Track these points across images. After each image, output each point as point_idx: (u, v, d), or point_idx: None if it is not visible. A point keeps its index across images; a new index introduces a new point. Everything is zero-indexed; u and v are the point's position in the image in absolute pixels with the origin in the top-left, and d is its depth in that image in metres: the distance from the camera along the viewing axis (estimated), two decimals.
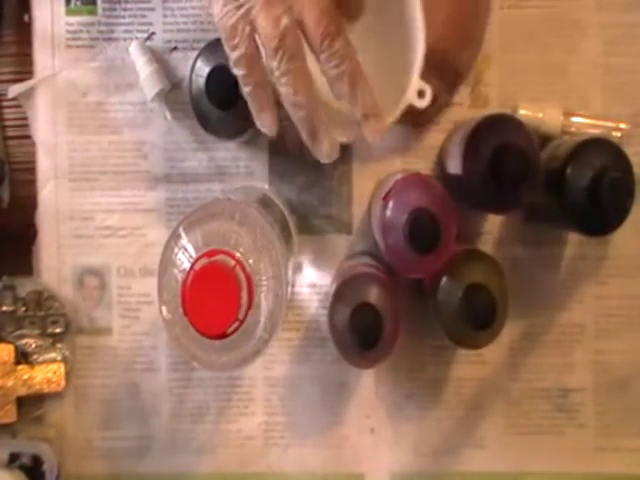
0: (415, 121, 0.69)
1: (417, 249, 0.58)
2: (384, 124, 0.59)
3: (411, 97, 0.60)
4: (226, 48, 0.56)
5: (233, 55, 0.56)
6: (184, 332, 0.52)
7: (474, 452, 0.71)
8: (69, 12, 0.71)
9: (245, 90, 0.58)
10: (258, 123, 0.60)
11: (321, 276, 0.71)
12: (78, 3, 0.71)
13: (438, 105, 0.68)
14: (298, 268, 0.71)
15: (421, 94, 0.60)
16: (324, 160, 0.60)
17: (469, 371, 0.71)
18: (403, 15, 0.60)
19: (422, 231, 0.58)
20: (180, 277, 0.52)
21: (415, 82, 0.60)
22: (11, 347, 0.70)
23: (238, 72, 0.57)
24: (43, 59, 0.71)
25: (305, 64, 0.56)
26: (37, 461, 0.68)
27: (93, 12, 0.71)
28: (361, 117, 0.58)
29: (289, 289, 0.63)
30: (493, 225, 0.71)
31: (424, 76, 0.61)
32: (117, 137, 0.71)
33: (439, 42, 0.62)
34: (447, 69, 0.67)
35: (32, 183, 0.72)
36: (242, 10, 0.55)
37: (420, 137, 0.71)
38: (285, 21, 0.54)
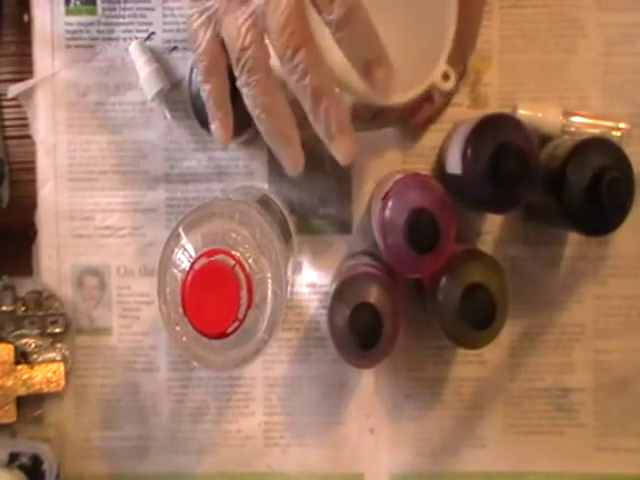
0: (414, 122, 0.69)
1: (416, 249, 0.58)
2: (351, 144, 0.55)
3: (436, 78, 0.59)
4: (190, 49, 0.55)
5: (194, 56, 0.55)
6: (184, 332, 0.52)
7: (474, 452, 0.71)
8: (69, 12, 0.71)
9: (202, 92, 0.58)
10: (213, 127, 0.59)
11: (321, 276, 0.71)
12: (78, 3, 0.71)
13: (437, 106, 0.68)
14: (298, 268, 0.71)
15: (446, 77, 0.59)
16: (289, 173, 0.58)
17: (469, 371, 0.71)
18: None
19: (421, 231, 0.58)
20: (180, 277, 0.52)
21: (442, 64, 0.59)
22: (11, 347, 0.70)
23: (197, 74, 0.56)
24: (43, 59, 0.71)
25: (270, 76, 0.54)
26: (37, 461, 0.68)
27: (93, 12, 0.71)
28: (324, 136, 0.54)
29: (289, 289, 0.63)
30: (493, 225, 0.71)
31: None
32: (117, 137, 0.71)
33: None
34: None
35: (32, 183, 0.72)
36: (204, 16, 0.53)
37: (420, 137, 0.71)
38: (246, 31, 0.51)
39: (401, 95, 0.58)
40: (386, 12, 0.58)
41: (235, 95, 0.61)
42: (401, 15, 0.62)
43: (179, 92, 0.70)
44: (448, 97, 0.69)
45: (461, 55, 0.66)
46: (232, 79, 0.59)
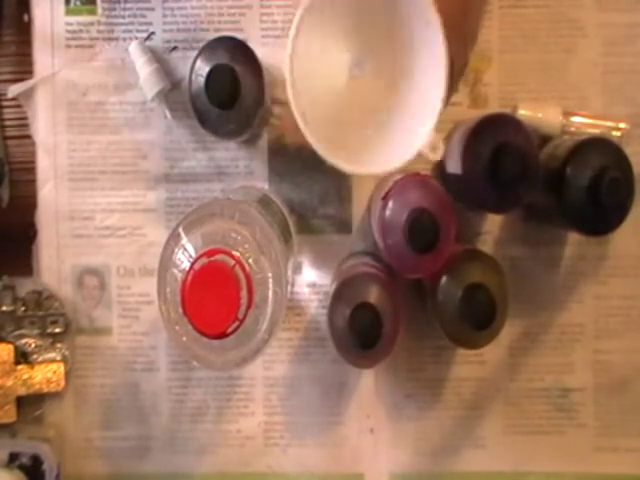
0: None
1: (416, 249, 0.58)
2: None
3: (424, 148, 0.57)
4: None
5: None
6: (184, 332, 0.52)
7: (474, 452, 0.71)
8: (69, 12, 0.71)
9: None
10: None
11: (321, 276, 0.71)
12: (78, 3, 0.71)
13: None
14: (298, 268, 0.71)
15: (434, 148, 0.57)
16: None
17: (469, 371, 0.71)
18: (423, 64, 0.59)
19: (421, 231, 0.58)
20: (180, 277, 0.52)
21: (430, 134, 0.57)
22: (11, 347, 0.70)
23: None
24: (43, 59, 0.71)
25: None
26: (37, 461, 0.68)
27: (93, 12, 0.71)
28: None
29: (289, 289, 0.63)
30: (493, 225, 0.71)
31: None
32: (117, 137, 0.71)
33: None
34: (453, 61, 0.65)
35: (32, 183, 0.72)
36: None
37: None
38: None
39: (388, 166, 0.58)
40: (378, 78, 0.58)
41: (235, 95, 0.62)
42: (392, 81, 0.61)
43: (179, 92, 0.70)
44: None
45: (462, 49, 0.65)
46: (233, 81, 0.59)
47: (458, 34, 0.60)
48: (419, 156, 0.57)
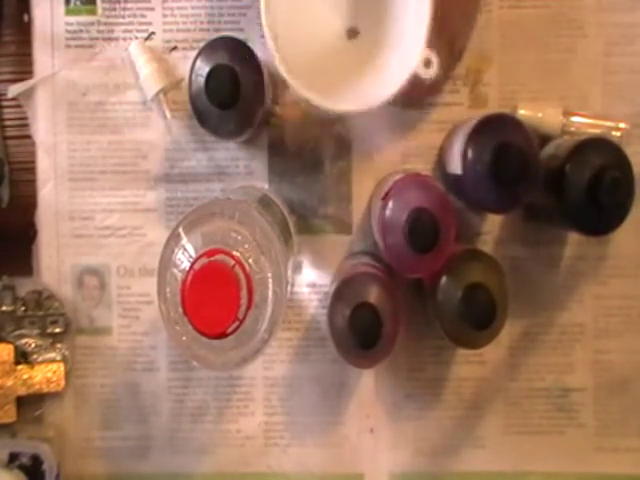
0: (407, 101, 0.68)
1: (416, 249, 0.58)
2: None
3: (417, 66, 0.58)
4: None
5: None
6: (184, 332, 0.52)
7: (474, 452, 0.71)
8: (69, 12, 0.71)
9: None
10: None
11: (321, 276, 0.71)
12: (78, 3, 0.71)
13: (433, 84, 0.67)
14: (298, 268, 0.71)
15: (427, 63, 0.58)
16: None
17: (469, 371, 0.71)
18: None
19: (421, 231, 0.58)
20: (180, 277, 0.52)
21: (422, 50, 0.57)
22: (11, 347, 0.70)
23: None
24: (43, 59, 0.71)
25: None
26: (37, 461, 0.68)
27: (93, 12, 0.71)
28: None
29: (289, 289, 0.63)
30: (493, 225, 0.71)
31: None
32: (117, 137, 0.71)
33: (445, 16, 0.61)
34: (450, 44, 0.65)
35: (32, 183, 0.72)
36: None
37: (420, 137, 0.71)
38: None
39: (386, 94, 0.58)
40: (362, 16, 0.58)
41: (235, 95, 0.62)
42: (378, 17, 0.61)
43: (179, 92, 0.70)
44: (449, 71, 0.68)
45: (469, 28, 0.65)
46: (233, 81, 0.59)
47: (466, 17, 0.60)
48: (415, 79, 0.57)
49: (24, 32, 0.72)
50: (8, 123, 0.72)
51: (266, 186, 0.71)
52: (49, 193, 0.72)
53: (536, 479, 0.71)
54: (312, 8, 0.62)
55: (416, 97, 0.68)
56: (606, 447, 0.71)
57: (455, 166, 0.64)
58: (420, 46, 0.57)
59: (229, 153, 0.71)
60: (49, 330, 0.71)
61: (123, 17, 0.71)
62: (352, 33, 0.64)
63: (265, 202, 0.65)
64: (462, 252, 0.64)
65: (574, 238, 0.70)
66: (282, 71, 0.57)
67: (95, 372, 0.72)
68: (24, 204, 0.72)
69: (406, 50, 0.59)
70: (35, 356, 0.70)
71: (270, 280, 0.53)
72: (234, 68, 0.62)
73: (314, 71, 0.58)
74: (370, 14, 0.63)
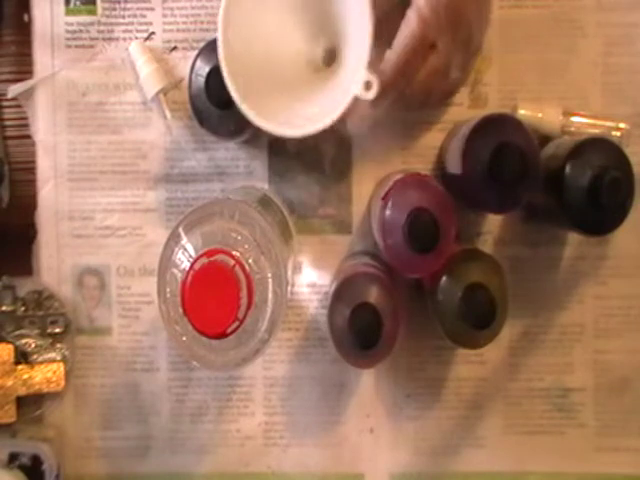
0: (425, 102, 0.68)
1: (416, 249, 0.58)
2: None
3: (356, 89, 0.57)
4: None
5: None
6: (184, 332, 0.52)
7: (474, 452, 0.71)
8: (69, 12, 0.71)
9: None
10: None
11: (321, 276, 0.71)
12: (78, 3, 0.71)
13: (452, 82, 0.67)
14: (298, 268, 0.71)
15: (368, 86, 0.57)
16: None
17: (469, 371, 0.71)
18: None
19: (421, 231, 0.58)
20: (180, 277, 0.52)
21: (362, 73, 0.57)
22: (11, 347, 0.70)
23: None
24: (43, 59, 0.71)
25: None
26: (36, 461, 0.68)
27: (93, 12, 0.71)
28: None
29: (289, 289, 0.63)
30: (493, 225, 0.71)
31: (451, 51, 0.59)
32: (117, 137, 0.71)
33: (461, 15, 0.62)
34: (466, 43, 0.65)
35: (32, 183, 0.72)
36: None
37: (420, 137, 0.71)
38: None
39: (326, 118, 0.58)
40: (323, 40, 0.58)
41: None
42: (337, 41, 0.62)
43: (179, 92, 0.70)
44: (466, 70, 0.68)
45: (483, 30, 0.65)
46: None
47: (481, 15, 0.60)
48: (357, 101, 0.57)
49: (24, 32, 0.72)
50: (8, 123, 0.72)
51: (266, 186, 0.71)
52: (49, 193, 0.72)
53: (536, 479, 0.71)
54: (272, 33, 0.62)
55: (436, 99, 0.69)
56: (606, 447, 0.71)
57: (455, 166, 0.64)
58: (361, 70, 0.57)
59: (229, 153, 0.71)
60: (49, 330, 0.71)
61: (123, 17, 0.71)
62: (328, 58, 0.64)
63: (265, 202, 0.65)
64: (462, 252, 0.64)
65: (574, 238, 0.70)
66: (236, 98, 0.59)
67: (95, 372, 0.72)
68: (24, 204, 0.72)
69: (348, 73, 0.59)
70: (35, 356, 0.70)
71: (270, 280, 0.53)
72: None
73: (270, 94, 0.59)
74: (328, 38, 0.63)
